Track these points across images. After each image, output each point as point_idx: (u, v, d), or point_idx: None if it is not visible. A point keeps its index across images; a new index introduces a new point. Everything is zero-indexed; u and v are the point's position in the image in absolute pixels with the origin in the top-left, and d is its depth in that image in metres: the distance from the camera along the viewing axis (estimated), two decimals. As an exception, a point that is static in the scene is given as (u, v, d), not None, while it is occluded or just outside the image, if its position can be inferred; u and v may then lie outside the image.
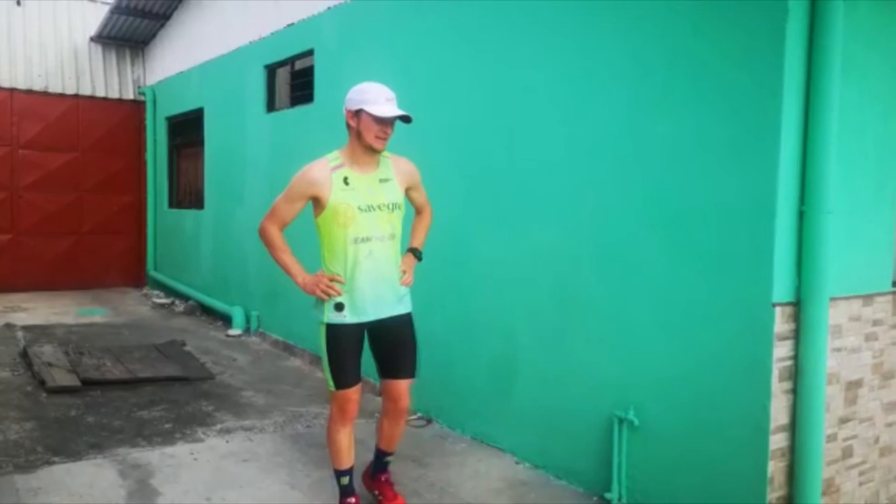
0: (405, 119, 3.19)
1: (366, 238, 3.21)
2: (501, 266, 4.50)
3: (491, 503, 3.76)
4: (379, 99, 3.14)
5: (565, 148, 4.06)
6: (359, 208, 3.18)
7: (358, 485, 3.55)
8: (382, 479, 3.60)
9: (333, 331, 3.29)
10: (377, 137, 3.16)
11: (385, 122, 3.16)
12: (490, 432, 4.60)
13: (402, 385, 3.42)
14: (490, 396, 4.58)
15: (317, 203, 3.24)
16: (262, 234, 3.36)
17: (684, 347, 3.43)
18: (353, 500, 3.42)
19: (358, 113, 3.17)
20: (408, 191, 3.43)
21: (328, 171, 3.20)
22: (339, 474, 3.43)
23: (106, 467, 4.06)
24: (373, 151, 3.22)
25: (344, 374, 3.30)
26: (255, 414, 5.15)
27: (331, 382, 3.31)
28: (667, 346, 3.51)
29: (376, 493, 3.58)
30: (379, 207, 3.22)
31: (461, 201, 4.74)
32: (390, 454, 3.58)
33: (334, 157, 3.26)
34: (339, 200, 3.17)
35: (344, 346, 3.29)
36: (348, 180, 3.19)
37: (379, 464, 3.59)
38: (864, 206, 3.47)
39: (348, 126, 3.24)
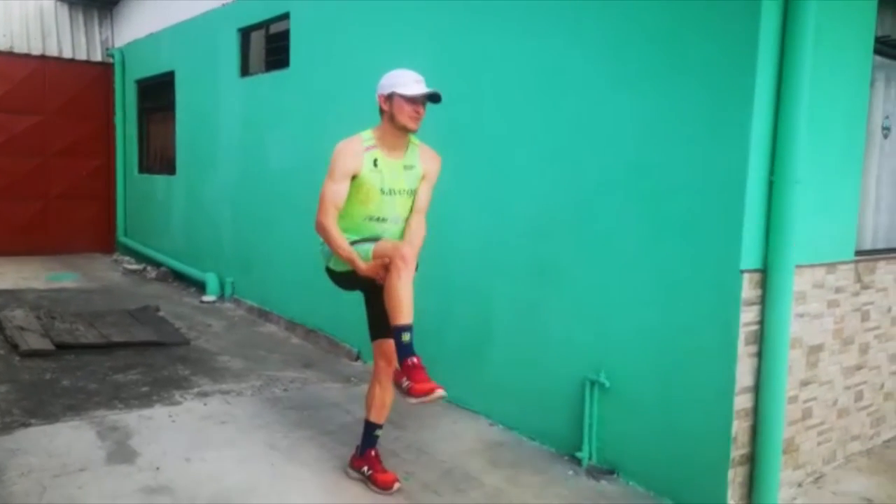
0: (434, 98, 3.29)
1: (382, 219, 3.34)
2: (479, 234, 4.56)
3: (466, 463, 3.87)
4: (408, 81, 3.26)
5: (542, 121, 4.11)
6: (381, 190, 3.31)
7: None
8: (372, 453, 3.60)
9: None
10: (410, 118, 3.27)
11: (416, 102, 3.27)
12: (465, 396, 4.70)
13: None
14: (465, 360, 4.68)
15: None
16: (321, 231, 3.32)
17: (655, 312, 3.54)
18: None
19: (390, 97, 3.27)
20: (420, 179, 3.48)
21: (362, 149, 3.30)
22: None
23: (84, 429, 4.08)
24: (406, 132, 3.32)
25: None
26: (231, 378, 5.19)
27: None
28: (638, 311, 3.62)
29: (365, 468, 3.58)
30: (399, 192, 3.36)
31: (443, 173, 4.75)
32: (380, 427, 3.61)
33: (368, 136, 3.35)
34: (364, 180, 3.28)
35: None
36: (377, 162, 3.31)
37: (369, 438, 3.60)
38: (831, 177, 3.60)
39: (381, 111, 3.33)
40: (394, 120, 3.29)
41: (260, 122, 7.22)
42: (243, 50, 7.61)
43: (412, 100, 3.25)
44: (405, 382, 3.09)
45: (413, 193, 3.42)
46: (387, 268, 3.15)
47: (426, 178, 3.47)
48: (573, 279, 3.96)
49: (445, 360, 4.77)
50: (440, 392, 3.05)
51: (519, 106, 4.26)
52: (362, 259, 3.26)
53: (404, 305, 3.09)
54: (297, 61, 6.58)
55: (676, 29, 3.41)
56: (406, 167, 3.38)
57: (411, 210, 3.44)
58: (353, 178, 3.29)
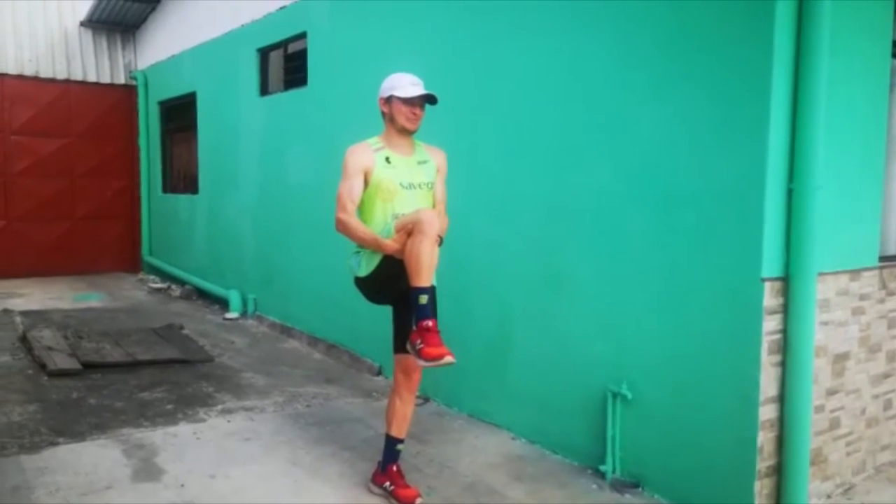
0: (430, 100, 3.40)
1: (406, 215, 3.34)
2: (495, 247, 4.57)
3: (488, 477, 3.85)
4: (405, 84, 3.39)
5: (556, 131, 4.12)
6: (401, 185, 3.39)
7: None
8: (394, 468, 3.59)
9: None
10: (408, 119, 3.40)
11: (413, 103, 3.39)
12: (486, 409, 4.69)
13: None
14: (486, 374, 4.67)
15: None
16: (341, 226, 3.38)
17: (676, 322, 3.52)
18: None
19: (389, 100, 3.41)
20: None
21: (372, 150, 3.42)
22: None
23: (110, 447, 4.13)
24: (406, 133, 3.44)
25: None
26: (255, 394, 5.22)
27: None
28: (658, 322, 3.60)
29: (387, 483, 3.57)
30: (419, 186, 3.45)
31: (456, 184, 4.78)
32: (401, 441, 3.61)
33: (374, 141, 3.47)
34: (381, 177, 3.37)
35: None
36: (390, 159, 3.41)
37: (391, 453, 3.60)
38: (851, 182, 3.55)
39: (383, 114, 3.47)
40: (394, 122, 3.42)
41: (279, 140, 7.31)
42: (262, 69, 7.72)
43: (408, 101, 3.37)
44: (418, 344, 3.13)
45: (432, 188, 3.50)
46: (410, 233, 3.17)
47: (439, 172, 3.59)
48: (590, 290, 3.94)
49: (467, 374, 4.77)
50: (449, 358, 3.09)
51: (532, 115, 4.27)
52: (385, 237, 3.28)
53: (424, 267, 3.10)
54: (314, 79, 6.66)
55: (691, 35, 3.40)
56: (420, 162, 3.50)
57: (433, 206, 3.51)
58: (369, 179, 3.35)
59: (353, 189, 3.35)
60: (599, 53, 3.85)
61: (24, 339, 6.49)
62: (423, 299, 3.13)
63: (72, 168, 10.98)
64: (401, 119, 3.39)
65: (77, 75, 10.93)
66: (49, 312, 8.07)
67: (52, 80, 10.72)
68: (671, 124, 3.50)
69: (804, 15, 3.12)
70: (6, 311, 7.97)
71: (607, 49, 3.81)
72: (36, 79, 10.59)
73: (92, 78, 11.07)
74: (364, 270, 3.43)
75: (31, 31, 10.58)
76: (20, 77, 10.46)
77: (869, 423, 3.86)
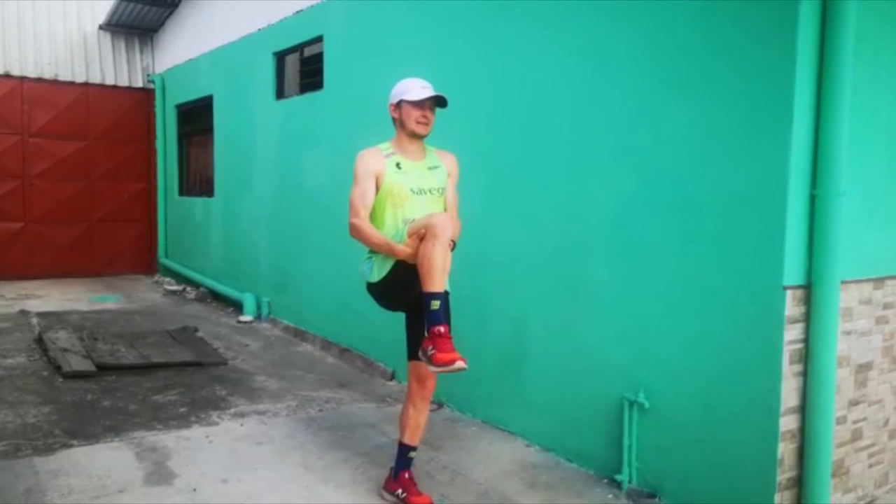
0: (440, 102, 3.38)
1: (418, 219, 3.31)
2: (512, 252, 4.52)
3: (502, 485, 3.80)
4: (414, 88, 3.38)
5: (576, 136, 4.07)
6: (411, 190, 3.37)
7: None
8: (406, 475, 3.55)
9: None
10: (418, 122, 3.38)
11: (423, 107, 3.37)
12: (500, 416, 4.64)
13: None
14: (500, 381, 4.62)
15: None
16: (354, 231, 3.36)
17: (695, 330, 3.45)
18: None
19: (399, 105, 3.40)
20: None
21: (382, 156, 3.41)
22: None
23: (123, 450, 4.13)
24: (417, 137, 3.43)
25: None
26: (268, 398, 5.21)
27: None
28: (677, 329, 3.53)
29: (400, 491, 3.53)
30: (430, 191, 3.43)
31: (473, 189, 4.75)
32: (414, 448, 3.57)
33: (385, 146, 3.46)
34: (392, 182, 3.35)
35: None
36: (400, 165, 3.40)
37: (403, 460, 3.56)
38: (875, 188, 3.48)
39: (393, 120, 3.46)
40: (404, 126, 3.41)
41: (295, 144, 7.31)
42: (279, 73, 7.73)
43: (418, 104, 3.35)
44: (430, 350, 3.08)
45: (443, 192, 3.48)
46: (423, 238, 3.13)
47: (451, 177, 3.56)
48: (608, 296, 3.89)
49: (482, 380, 4.73)
50: (460, 364, 3.03)
51: (551, 120, 4.22)
52: (398, 242, 3.25)
53: (436, 272, 3.06)
54: (330, 83, 6.65)
55: (712, 39, 3.35)
56: (430, 168, 3.48)
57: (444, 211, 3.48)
58: (379, 184, 3.34)
59: (364, 194, 3.33)
60: (619, 57, 3.80)
61: (39, 340, 6.52)
62: (436, 305, 3.08)
63: (89, 170, 11.07)
64: (411, 123, 3.37)
65: (95, 78, 11.03)
66: (66, 314, 8.12)
67: (71, 83, 10.83)
68: (692, 129, 3.45)
69: (828, 18, 3.06)
70: (23, 313, 8.02)
71: (627, 52, 3.76)
72: (55, 82, 10.70)
73: (110, 81, 11.16)
74: (376, 276, 3.39)
75: (50, 35, 10.69)
76: (40, 80, 10.57)
77: (892, 434, 3.77)
